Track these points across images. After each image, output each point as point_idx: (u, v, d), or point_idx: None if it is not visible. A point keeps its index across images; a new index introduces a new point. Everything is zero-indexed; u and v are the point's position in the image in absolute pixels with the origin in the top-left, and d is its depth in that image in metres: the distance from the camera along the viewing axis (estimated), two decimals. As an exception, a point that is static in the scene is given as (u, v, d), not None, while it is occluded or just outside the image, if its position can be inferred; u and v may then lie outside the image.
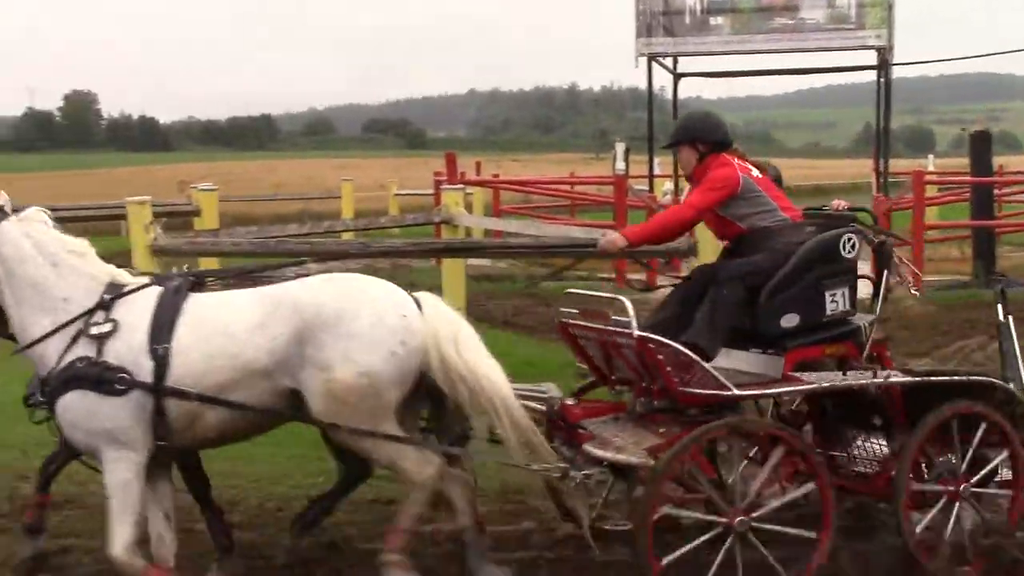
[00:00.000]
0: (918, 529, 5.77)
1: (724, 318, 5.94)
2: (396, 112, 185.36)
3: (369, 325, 5.32)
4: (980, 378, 6.18)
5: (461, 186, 17.24)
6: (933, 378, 6.10)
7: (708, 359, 5.71)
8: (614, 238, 6.38)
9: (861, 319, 6.08)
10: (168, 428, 5.29)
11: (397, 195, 29.70)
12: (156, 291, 5.50)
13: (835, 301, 5.94)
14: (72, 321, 5.36)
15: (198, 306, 5.46)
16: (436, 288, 8.05)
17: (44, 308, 5.40)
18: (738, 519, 5.43)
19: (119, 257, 23.29)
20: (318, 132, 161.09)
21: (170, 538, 5.58)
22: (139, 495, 5.32)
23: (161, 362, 5.25)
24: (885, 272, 6.18)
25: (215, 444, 5.76)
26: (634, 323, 5.67)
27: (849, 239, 6.00)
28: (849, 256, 6.00)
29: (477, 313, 13.71)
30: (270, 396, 5.37)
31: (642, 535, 5.32)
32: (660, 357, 5.54)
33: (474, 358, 5.43)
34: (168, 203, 17.18)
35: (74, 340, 5.34)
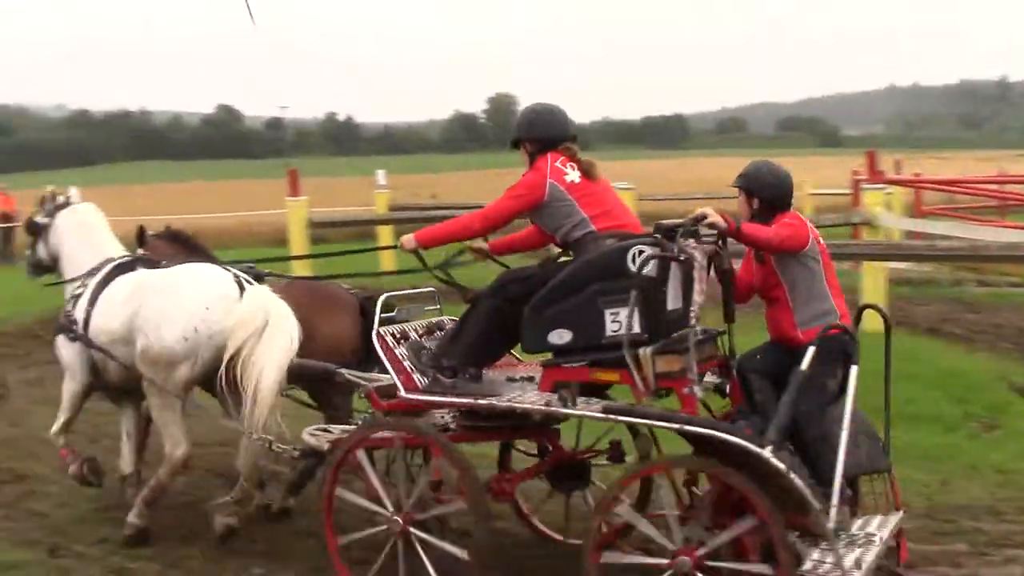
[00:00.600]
0: None
1: (471, 330, 5.79)
2: (810, 109, 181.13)
3: (176, 308, 6.47)
4: (702, 430, 5.01)
5: (883, 185, 16.51)
6: (632, 418, 5.24)
7: (455, 372, 5.73)
8: (407, 237, 6.03)
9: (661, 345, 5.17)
10: (94, 369, 7.07)
11: (811, 194, 28.96)
12: (111, 266, 7.18)
13: (617, 321, 5.19)
14: (75, 280, 7.31)
15: (121, 282, 6.99)
16: (853, 291, 7.69)
17: (71, 270, 7.44)
18: (396, 521, 5.61)
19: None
20: (730, 130, 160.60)
21: (127, 449, 7.35)
22: (74, 404, 7.23)
23: (86, 320, 6.95)
24: (692, 293, 5.17)
25: (130, 389, 7.09)
26: (376, 321, 5.92)
27: (640, 252, 5.18)
28: (641, 272, 5.16)
29: (899, 318, 13.12)
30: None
31: (324, 517, 5.86)
32: (398, 356, 5.83)
33: (260, 350, 6.21)
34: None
35: (72, 296, 7.27)
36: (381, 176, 22.38)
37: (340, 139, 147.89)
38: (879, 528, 5.51)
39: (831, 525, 4.85)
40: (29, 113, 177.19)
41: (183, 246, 7.86)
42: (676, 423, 5.04)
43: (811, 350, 5.18)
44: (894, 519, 5.65)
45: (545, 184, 5.70)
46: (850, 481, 5.57)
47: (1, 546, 6.76)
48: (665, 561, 5.05)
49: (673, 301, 5.32)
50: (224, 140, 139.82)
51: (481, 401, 5.57)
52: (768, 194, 5.80)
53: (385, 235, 21.87)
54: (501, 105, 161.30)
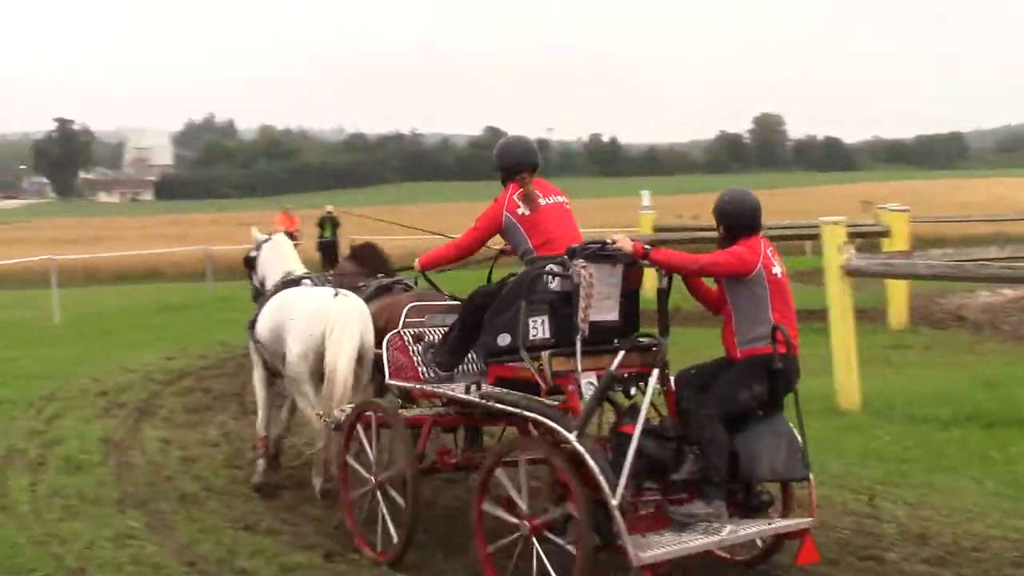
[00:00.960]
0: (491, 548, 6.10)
1: (452, 333, 7.01)
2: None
3: (294, 323, 8.09)
4: (530, 413, 5.96)
5: None
6: (494, 402, 6.20)
7: (444, 366, 7.02)
8: (417, 260, 7.24)
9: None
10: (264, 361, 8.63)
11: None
12: (280, 280, 8.79)
13: (535, 328, 6.07)
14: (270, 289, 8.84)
15: (276, 298, 8.52)
16: None
17: (267, 280, 9.05)
18: (374, 478, 6.89)
19: (803, 276, 24.12)
20: (1012, 149, 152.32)
21: (281, 422, 8.93)
22: (261, 387, 8.73)
23: (256, 322, 8.58)
24: (579, 306, 5.86)
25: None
26: (400, 323, 7.33)
27: (550, 271, 6.07)
28: (551, 288, 6.07)
29: None
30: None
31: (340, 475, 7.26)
32: (410, 353, 7.18)
33: (335, 349, 7.74)
34: (856, 223, 17.13)
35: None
36: (646, 197, 22.34)
37: (604, 160, 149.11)
38: (749, 527, 5.94)
39: (615, 501, 5.44)
40: (310, 137, 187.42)
41: (362, 263, 9.48)
42: (519, 408, 6.00)
43: (620, 355, 5.93)
44: (785, 522, 6.08)
45: (501, 217, 6.78)
46: (783, 485, 6.24)
47: (283, 549, 7.06)
48: (517, 523, 5.96)
49: (605, 313, 6.13)
50: (489, 161, 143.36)
51: (416, 386, 7.00)
52: (728, 221, 6.33)
53: (649, 256, 21.87)
54: (767, 125, 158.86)
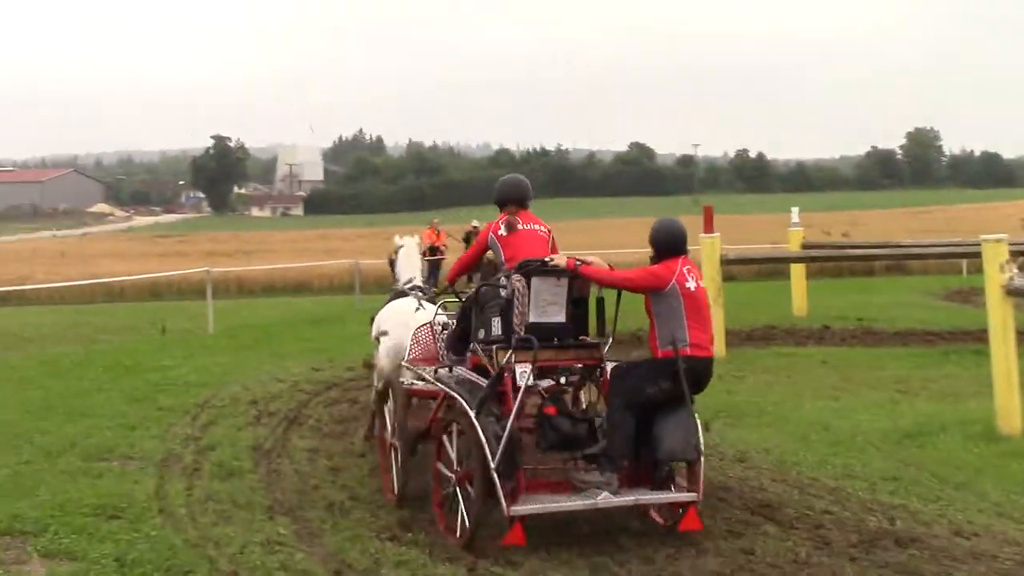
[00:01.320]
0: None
1: (455, 328, 8.45)
2: None
3: (384, 326, 9.51)
4: (449, 391, 7.62)
5: None
6: (436, 382, 7.94)
7: (455, 352, 8.25)
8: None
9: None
10: None
11: None
12: (396, 290, 10.21)
13: (495, 326, 7.61)
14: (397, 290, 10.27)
15: (385, 308, 9.86)
16: None
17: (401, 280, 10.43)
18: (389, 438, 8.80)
19: (958, 296, 22.95)
20: None
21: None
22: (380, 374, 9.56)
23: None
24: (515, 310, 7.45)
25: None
26: (433, 318, 8.95)
27: (502, 283, 7.63)
28: (504, 295, 7.57)
29: None
30: None
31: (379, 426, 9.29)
32: (436, 341, 8.81)
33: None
34: (1018, 241, 16.43)
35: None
36: (795, 214, 21.89)
37: (750, 176, 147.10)
38: (627, 496, 7.21)
39: (493, 465, 6.87)
40: (456, 153, 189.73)
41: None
42: (448, 387, 7.64)
43: (510, 351, 7.36)
44: (665, 495, 7.33)
45: (487, 238, 8.40)
46: (688, 463, 7.33)
47: (428, 560, 7.11)
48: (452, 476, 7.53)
49: (551, 316, 7.66)
50: (634, 177, 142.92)
51: (417, 368, 8.55)
52: (658, 246, 7.68)
53: (797, 273, 21.48)
54: (921, 140, 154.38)
